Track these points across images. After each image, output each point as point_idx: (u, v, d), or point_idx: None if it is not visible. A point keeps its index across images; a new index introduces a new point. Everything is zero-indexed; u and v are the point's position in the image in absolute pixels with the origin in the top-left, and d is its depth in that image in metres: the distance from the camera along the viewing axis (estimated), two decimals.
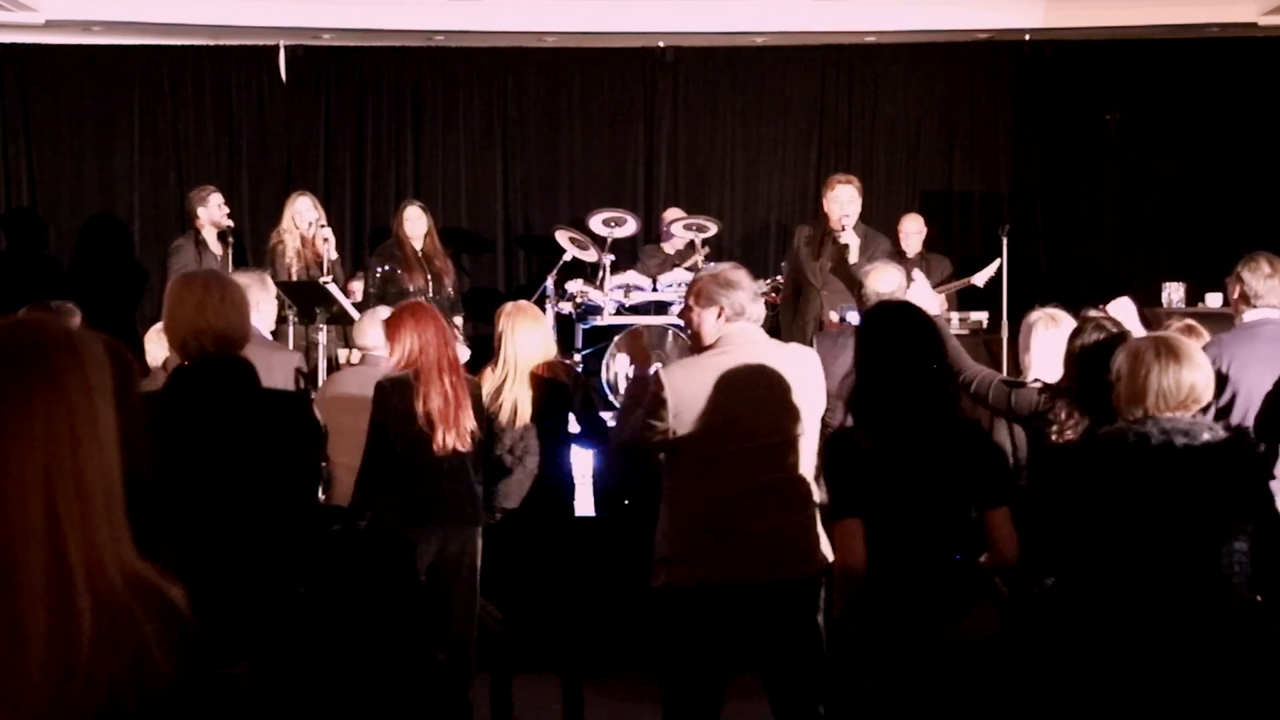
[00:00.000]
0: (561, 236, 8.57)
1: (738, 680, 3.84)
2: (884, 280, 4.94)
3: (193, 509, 3.06)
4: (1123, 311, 4.76)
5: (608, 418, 5.35)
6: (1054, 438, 4.02)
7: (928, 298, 5.48)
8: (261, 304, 5.13)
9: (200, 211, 8.01)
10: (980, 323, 8.22)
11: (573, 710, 5.08)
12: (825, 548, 3.67)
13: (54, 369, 1.49)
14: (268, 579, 3.33)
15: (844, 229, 7.03)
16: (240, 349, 3.44)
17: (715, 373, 3.66)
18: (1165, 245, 10.02)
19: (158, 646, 1.46)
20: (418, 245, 8.06)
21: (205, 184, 8.49)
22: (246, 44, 9.86)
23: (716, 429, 3.63)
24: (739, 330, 3.72)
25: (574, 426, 5.18)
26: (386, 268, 7.98)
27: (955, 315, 8.02)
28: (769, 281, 7.91)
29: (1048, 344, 4.55)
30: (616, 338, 8.03)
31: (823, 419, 3.89)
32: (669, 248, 8.76)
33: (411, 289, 7.85)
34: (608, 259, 8.26)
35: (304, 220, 7.77)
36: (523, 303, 5.22)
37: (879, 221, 10.00)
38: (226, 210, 8.05)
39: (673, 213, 9.03)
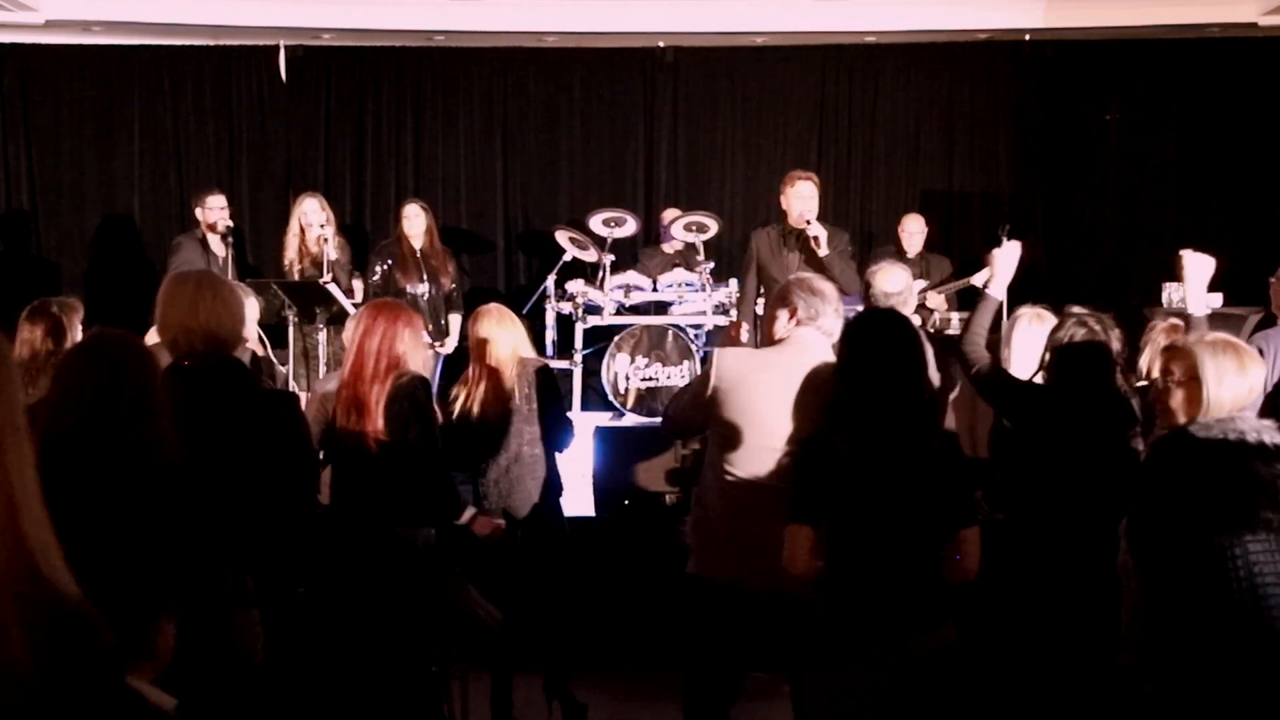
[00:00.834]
0: (561, 236, 8.57)
1: (752, 679, 3.87)
2: (891, 280, 4.91)
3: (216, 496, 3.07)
4: (1196, 271, 4.49)
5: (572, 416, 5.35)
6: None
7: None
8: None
9: (201, 212, 8.04)
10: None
11: (570, 710, 5.08)
12: None
13: None
14: (265, 578, 3.32)
15: (809, 223, 6.97)
16: (232, 349, 3.44)
17: (765, 365, 3.69)
18: (1165, 245, 9.99)
19: (22, 652, 1.40)
20: (417, 244, 8.04)
21: (207, 184, 8.52)
22: (246, 44, 9.86)
23: (748, 418, 3.64)
24: (805, 334, 3.74)
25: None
26: (386, 266, 7.98)
27: (955, 315, 8.00)
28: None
29: (1028, 339, 4.60)
30: (616, 337, 8.04)
31: None
32: (668, 248, 8.76)
33: (407, 288, 7.88)
34: (608, 259, 8.26)
35: (310, 221, 7.79)
36: (492, 305, 5.18)
37: (879, 221, 10.04)
38: (228, 211, 8.07)
39: (671, 213, 9.03)
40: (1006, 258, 4.63)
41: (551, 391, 5.04)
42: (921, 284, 7.46)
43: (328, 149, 10.08)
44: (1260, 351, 4.83)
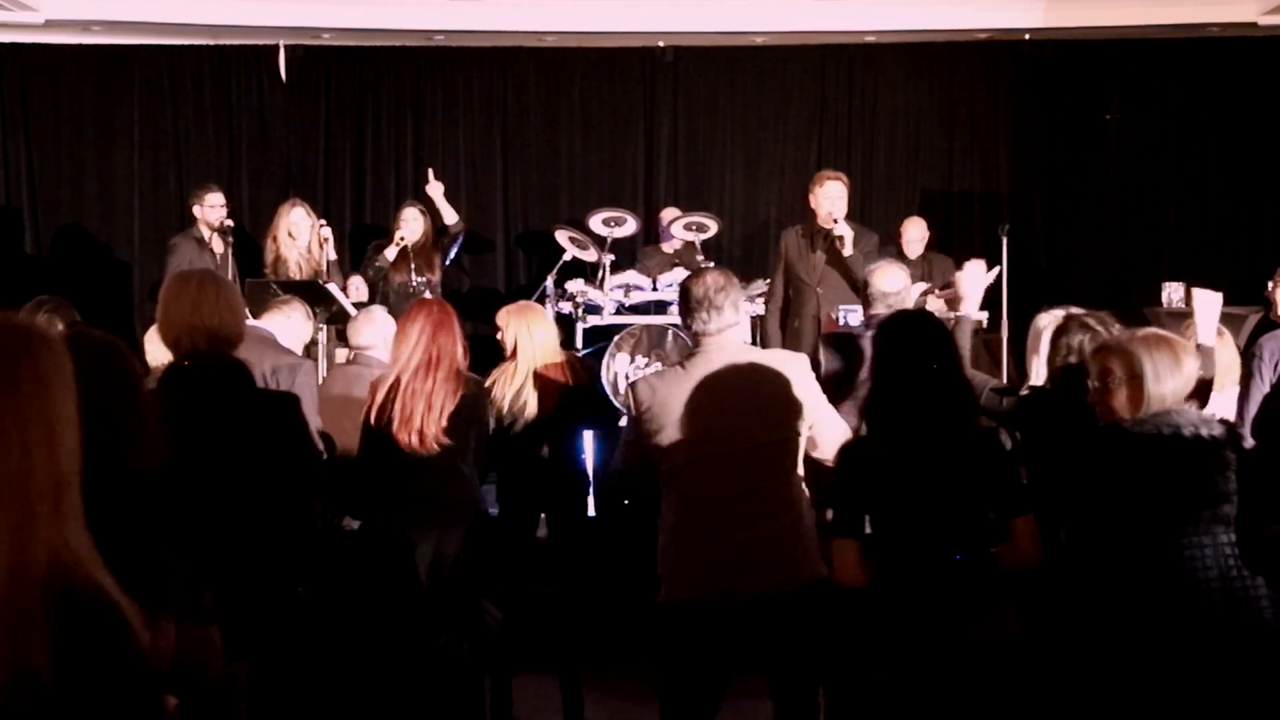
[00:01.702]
0: (561, 236, 8.57)
1: (738, 680, 3.84)
2: (889, 279, 4.90)
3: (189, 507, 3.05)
4: (1206, 307, 4.42)
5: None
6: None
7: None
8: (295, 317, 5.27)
9: (199, 210, 8.03)
10: (980, 322, 8.20)
11: (572, 710, 5.08)
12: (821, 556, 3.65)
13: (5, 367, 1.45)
14: (265, 578, 3.32)
15: (836, 222, 7.04)
16: (234, 348, 3.44)
17: (678, 379, 3.71)
18: (1165, 245, 10.01)
19: (48, 657, 1.39)
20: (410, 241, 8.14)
21: (205, 183, 8.51)
22: (246, 44, 9.86)
23: (680, 432, 3.66)
24: (707, 344, 3.75)
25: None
26: (381, 256, 8.09)
27: (954, 316, 8.00)
28: (768, 282, 7.89)
29: None
30: (616, 337, 8.04)
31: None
32: (668, 248, 8.76)
33: (396, 282, 8.03)
34: (608, 259, 8.26)
35: (299, 231, 7.80)
36: (527, 302, 5.25)
37: (879, 222, 10.01)
38: (226, 209, 8.06)
39: (670, 212, 9.03)
40: (972, 279, 4.68)
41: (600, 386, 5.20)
42: (922, 286, 7.46)
43: (328, 149, 10.07)
44: (1261, 352, 4.84)
